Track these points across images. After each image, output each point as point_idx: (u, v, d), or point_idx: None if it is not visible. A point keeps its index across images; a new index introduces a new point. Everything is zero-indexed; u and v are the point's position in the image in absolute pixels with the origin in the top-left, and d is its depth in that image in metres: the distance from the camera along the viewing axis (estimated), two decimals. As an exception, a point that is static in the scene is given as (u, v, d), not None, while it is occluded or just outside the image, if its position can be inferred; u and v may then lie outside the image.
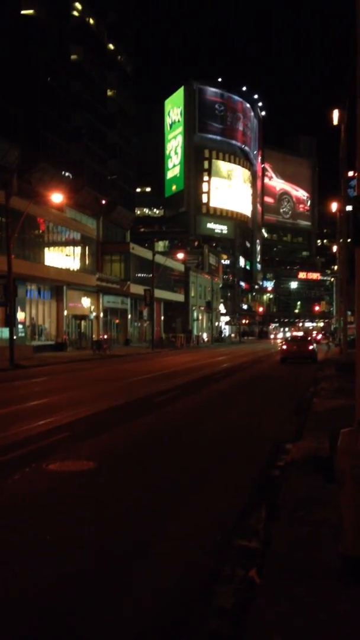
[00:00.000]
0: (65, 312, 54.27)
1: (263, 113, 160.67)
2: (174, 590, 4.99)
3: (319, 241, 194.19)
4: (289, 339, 42.12)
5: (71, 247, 54.51)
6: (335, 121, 26.16)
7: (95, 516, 6.86)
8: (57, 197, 38.69)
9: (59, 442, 10.87)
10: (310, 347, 37.06)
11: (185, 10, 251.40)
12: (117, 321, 69.70)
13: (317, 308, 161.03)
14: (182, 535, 6.26)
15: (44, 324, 51.63)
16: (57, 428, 12.37)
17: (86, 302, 59.39)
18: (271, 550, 5.41)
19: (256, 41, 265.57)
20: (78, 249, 55.86)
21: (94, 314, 61.37)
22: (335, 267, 75.70)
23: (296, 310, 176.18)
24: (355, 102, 6.32)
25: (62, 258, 52.53)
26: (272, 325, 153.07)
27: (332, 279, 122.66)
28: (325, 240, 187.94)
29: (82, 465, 9.10)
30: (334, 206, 38.44)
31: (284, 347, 37.55)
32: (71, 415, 14.18)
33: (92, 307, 60.92)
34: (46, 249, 49.54)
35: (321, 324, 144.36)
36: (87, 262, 58.01)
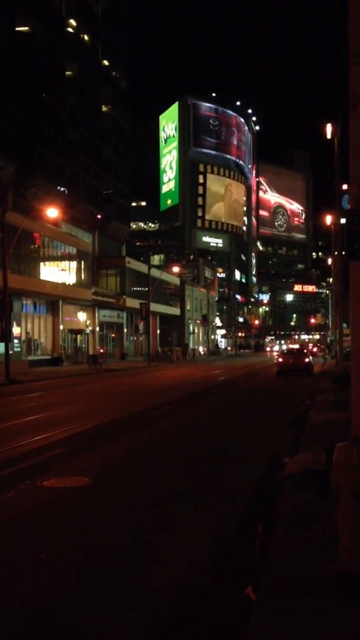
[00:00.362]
0: (61, 327, 54.19)
1: (257, 127, 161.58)
2: (169, 608, 4.92)
3: (314, 254, 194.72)
4: (285, 351, 42.14)
5: (67, 262, 54.54)
6: (329, 135, 26.32)
7: (90, 533, 6.79)
8: (52, 212, 38.73)
9: (54, 458, 10.80)
10: (307, 360, 37.05)
11: (180, 26, 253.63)
12: (113, 335, 69.62)
13: (312, 320, 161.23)
14: (178, 551, 6.19)
15: (40, 339, 51.52)
16: (53, 443, 12.29)
17: (82, 316, 59.34)
18: (267, 567, 5.35)
19: (250, 56, 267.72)
20: (74, 264, 55.89)
21: (90, 328, 61.29)
22: (331, 280, 75.85)
23: (292, 323, 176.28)
24: (348, 116, 6.32)
25: (58, 272, 52.53)
26: (268, 338, 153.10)
27: (328, 292, 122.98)
28: (320, 253, 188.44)
29: (78, 481, 9.03)
30: (329, 219, 38.58)
31: (280, 359, 37.53)
32: (67, 430, 14.10)
33: (88, 322, 60.86)
34: (42, 264, 49.54)
35: (317, 337, 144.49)
36: (82, 276, 58.03)
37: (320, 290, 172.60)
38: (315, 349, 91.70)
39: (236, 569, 5.74)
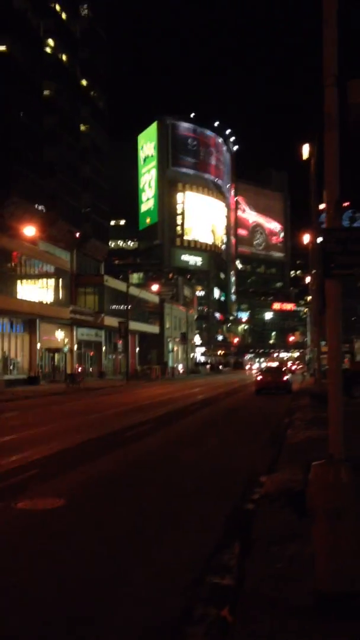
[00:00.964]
0: (39, 345, 53.81)
1: (235, 148, 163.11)
2: (144, 631, 4.85)
3: (292, 272, 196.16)
4: (264, 369, 42.20)
5: (45, 280, 54.34)
6: (305, 155, 26.64)
7: (63, 556, 6.69)
8: (30, 231, 38.68)
9: (29, 479, 10.66)
10: (285, 378, 37.15)
11: (158, 47, 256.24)
12: (91, 354, 69.27)
13: (291, 338, 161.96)
14: (153, 573, 6.13)
15: (17, 358, 51.10)
16: (28, 464, 12.14)
17: (60, 335, 59.00)
18: (244, 587, 5.31)
19: (228, 78, 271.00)
20: (52, 282, 55.69)
21: (68, 346, 60.94)
22: (309, 298, 76.45)
23: (271, 341, 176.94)
24: (324, 137, 6.40)
25: (36, 291, 52.29)
26: (248, 356, 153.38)
27: (306, 310, 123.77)
28: (298, 272, 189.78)
29: (52, 503, 8.92)
30: (306, 238, 38.94)
31: (259, 378, 37.58)
32: (42, 450, 13.94)
33: (66, 340, 60.52)
34: (19, 282, 49.30)
35: (296, 354, 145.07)
36: (60, 294, 57.82)
37: (299, 308, 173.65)
38: (294, 367, 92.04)
39: (213, 589, 5.68)
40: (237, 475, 11.05)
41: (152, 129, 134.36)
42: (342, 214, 7.05)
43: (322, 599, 4.70)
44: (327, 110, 6.49)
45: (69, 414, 24.46)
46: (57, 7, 65.12)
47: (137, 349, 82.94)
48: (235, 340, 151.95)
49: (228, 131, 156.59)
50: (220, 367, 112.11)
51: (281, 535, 6.55)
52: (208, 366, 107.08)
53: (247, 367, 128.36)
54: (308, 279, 56.04)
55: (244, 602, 4.97)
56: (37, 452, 13.65)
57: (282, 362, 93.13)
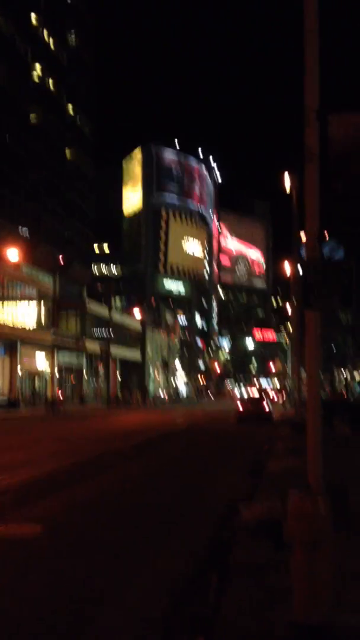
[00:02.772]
0: (19, 369, 53.44)
1: (219, 177, 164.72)
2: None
3: (274, 301, 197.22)
4: (245, 399, 42.12)
5: (26, 303, 54.16)
6: (287, 187, 27.01)
7: (37, 586, 6.61)
8: (13, 254, 38.65)
9: (5, 505, 10.53)
10: (266, 408, 37.10)
11: (144, 74, 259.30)
12: (72, 378, 68.88)
13: (272, 366, 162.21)
14: (128, 604, 6.06)
15: (-4, 381, 50.72)
16: (3, 489, 12.00)
17: (41, 358, 58.66)
18: (220, 617, 5.28)
19: (212, 109, 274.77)
20: (33, 305, 55.53)
21: (49, 371, 60.57)
22: (290, 327, 76.79)
23: (252, 369, 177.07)
24: (304, 172, 6.54)
25: (17, 314, 52.08)
26: (229, 384, 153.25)
27: (287, 338, 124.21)
28: (279, 301, 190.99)
29: (28, 529, 8.81)
30: (287, 268, 39.26)
31: (240, 407, 37.48)
32: (19, 475, 13.79)
33: (47, 364, 60.17)
34: (0, 305, 49.09)
35: (277, 382, 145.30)
36: (42, 318, 57.62)
37: (280, 337, 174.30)
38: (275, 397, 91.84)
39: (188, 619, 5.63)
40: (216, 503, 11.00)
41: (136, 155, 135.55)
42: (322, 245, 7.16)
43: (299, 630, 4.69)
44: (308, 143, 6.63)
45: (49, 438, 24.24)
46: (45, 33, 65.89)
47: (118, 375, 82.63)
48: (217, 367, 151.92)
49: (212, 160, 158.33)
50: (204, 392, 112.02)
51: (259, 565, 6.52)
52: (190, 393, 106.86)
53: (229, 394, 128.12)
54: (289, 308, 56.38)
55: (221, 631, 4.94)
56: (14, 478, 13.50)
57: (264, 391, 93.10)
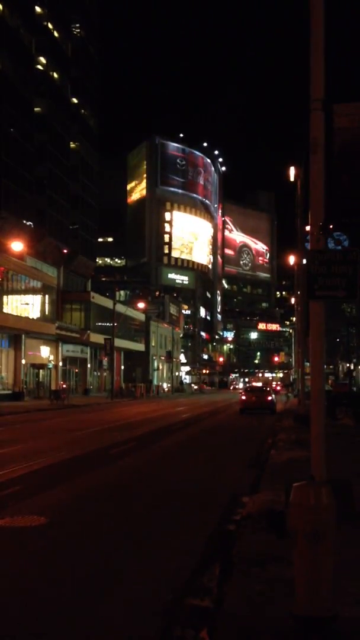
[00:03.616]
0: (24, 361, 53.50)
1: (223, 168, 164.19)
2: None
3: (278, 293, 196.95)
4: (248, 389, 42.14)
5: (31, 296, 54.17)
6: (292, 177, 26.88)
7: (41, 576, 6.61)
8: (17, 246, 38.59)
9: (10, 496, 10.54)
10: (269, 398, 37.14)
11: (150, 66, 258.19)
12: (76, 370, 68.95)
13: (276, 359, 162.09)
14: (132, 593, 6.05)
15: (1, 373, 50.78)
16: (8, 481, 12.01)
17: (45, 350, 58.71)
18: (223, 609, 5.26)
19: (218, 98, 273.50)
20: (38, 298, 55.53)
21: (53, 363, 60.63)
22: (294, 319, 76.69)
23: (256, 361, 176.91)
24: (308, 163, 6.48)
25: (22, 306, 52.10)
26: (232, 376, 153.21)
27: (291, 330, 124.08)
28: (284, 292, 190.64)
29: (33, 520, 8.81)
30: (292, 259, 39.14)
31: (243, 397, 37.53)
32: (24, 467, 13.81)
33: (51, 356, 60.23)
34: (5, 297, 49.11)
35: (280, 375, 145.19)
36: (47, 310, 57.63)
37: (284, 329, 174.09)
38: (278, 387, 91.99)
39: (191, 611, 5.62)
40: (220, 495, 10.99)
41: (141, 148, 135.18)
42: (327, 236, 7.10)
43: (302, 622, 4.66)
44: (313, 134, 6.56)
45: (53, 431, 24.27)
46: (50, 26, 65.53)
47: (122, 367, 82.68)
48: (221, 359, 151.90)
49: (216, 152, 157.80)
50: (205, 386, 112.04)
51: (262, 557, 6.50)
52: (195, 387, 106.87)
53: (232, 387, 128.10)
54: (293, 300, 56.26)
55: (223, 624, 4.92)
56: (19, 469, 13.52)
57: (267, 383, 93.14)
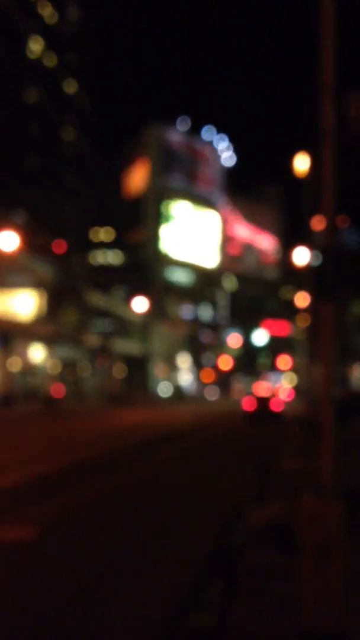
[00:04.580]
0: (14, 364, 53.49)
1: (229, 158, 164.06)
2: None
3: (284, 292, 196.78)
4: (253, 396, 42.10)
5: (24, 294, 54.19)
6: (301, 171, 26.85)
7: (31, 595, 6.61)
8: (9, 241, 38.62)
9: (2, 507, 10.56)
10: (275, 405, 37.11)
11: (149, 54, 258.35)
12: (71, 373, 68.91)
13: (282, 361, 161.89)
14: (130, 611, 6.07)
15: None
16: (1, 491, 12.02)
17: (38, 352, 58.72)
18: (227, 624, 5.27)
19: (223, 88, 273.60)
20: (30, 295, 55.55)
21: (46, 365, 60.62)
22: (302, 320, 76.55)
23: (261, 363, 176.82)
24: (319, 152, 6.50)
25: (14, 305, 52.12)
26: (237, 378, 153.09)
27: (299, 331, 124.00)
28: (291, 292, 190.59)
29: (23, 533, 8.82)
30: (300, 257, 39.09)
31: (248, 404, 37.49)
32: (12, 477, 13.81)
33: (45, 358, 60.22)
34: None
35: (287, 379, 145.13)
36: (40, 309, 57.63)
37: (292, 330, 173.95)
38: (285, 393, 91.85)
39: (194, 627, 5.63)
40: (223, 506, 11.00)
41: (140, 138, 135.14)
42: (338, 231, 7.12)
43: (309, 638, 4.67)
44: (324, 124, 6.57)
45: (46, 437, 24.27)
46: (44, 9, 65.65)
47: (120, 369, 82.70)
48: (224, 362, 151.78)
49: (220, 142, 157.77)
50: (210, 391, 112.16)
51: (267, 570, 6.52)
52: (197, 391, 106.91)
53: (237, 391, 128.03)
54: (301, 300, 56.27)
55: (226, 641, 4.93)
56: (7, 479, 13.52)
57: (273, 388, 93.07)
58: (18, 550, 7.99)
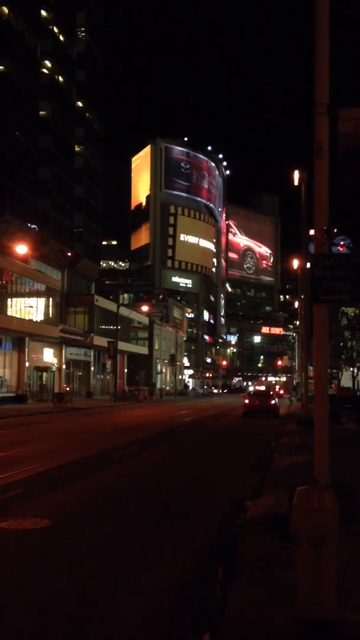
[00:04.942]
0: (27, 364, 53.53)
1: (227, 172, 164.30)
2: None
3: (281, 297, 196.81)
4: (252, 393, 42.14)
5: (35, 298, 54.21)
6: (296, 182, 26.86)
7: (43, 579, 6.60)
8: (22, 249, 38.66)
9: (12, 499, 10.55)
10: (273, 402, 37.13)
11: (153, 71, 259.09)
12: (79, 373, 68.95)
13: (279, 362, 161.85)
14: (134, 598, 6.05)
15: (5, 376, 50.80)
16: (11, 484, 12.01)
17: (49, 353, 58.76)
18: (226, 613, 5.25)
19: (223, 103, 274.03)
20: (42, 300, 55.57)
21: (57, 365, 60.67)
22: (297, 323, 76.60)
23: (259, 365, 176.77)
24: (314, 164, 6.49)
25: (26, 309, 52.15)
26: (236, 379, 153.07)
27: (294, 334, 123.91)
28: (287, 296, 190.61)
29: (36, 523, 8.81)
30: (296, 263, 39.09)
31: (246, 401, 37.54)
32: (27, 470, 13.81)
33: (55, 359, 60.28)
34: (9, 300, 49.16)
35: (284, 379, 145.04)
36: (50, 313, 57.65)
37: (287, 333, 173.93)
38: (281, 391, 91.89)
39: (195, 615, 5.61)
40: (223, 498, 10.98)
41: (145, 151, 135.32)
42: (331, 240, 7.10)
43: (305, 626, 4.65)
44: (318, 138, 6.56)
45: (56, 433, 24.27)
46: (55, 29, 65.70)
47: (126, 370, 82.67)
48: (224, 363, 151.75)
49: (220, 155, 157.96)
50: (214, 389, 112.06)
51: (265, 560, 6.49)
52: (201, 390, 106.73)
53: (236, 388, 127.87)
54: (297, 304, 56.29)
55: (226, 627, 4.91)
56: (22, 472, 13.52)
57: (270, 386, 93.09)
58: (33, 537, 7.98)
